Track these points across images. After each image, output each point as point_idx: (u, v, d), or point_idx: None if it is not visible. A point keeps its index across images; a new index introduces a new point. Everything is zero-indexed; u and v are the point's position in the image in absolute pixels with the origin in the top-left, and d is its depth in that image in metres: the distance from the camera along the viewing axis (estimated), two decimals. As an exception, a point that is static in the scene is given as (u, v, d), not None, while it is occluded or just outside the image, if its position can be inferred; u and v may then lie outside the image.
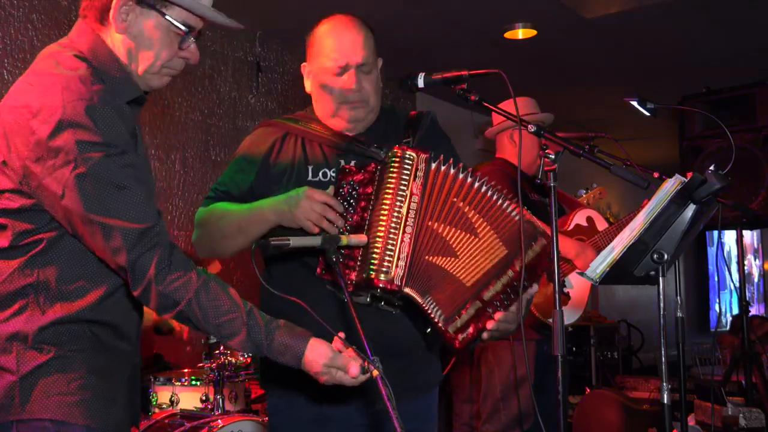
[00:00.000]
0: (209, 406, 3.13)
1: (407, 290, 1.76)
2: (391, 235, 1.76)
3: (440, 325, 1.79)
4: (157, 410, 3.22)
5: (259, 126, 2.12)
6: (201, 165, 4.76)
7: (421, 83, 1.95)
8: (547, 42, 5.44)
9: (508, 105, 2.93)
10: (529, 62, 5.88)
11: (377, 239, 1.76)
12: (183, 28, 1.62)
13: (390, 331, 1.89)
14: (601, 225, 3.33)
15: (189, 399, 3.23)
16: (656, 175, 2.71)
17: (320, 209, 1.82)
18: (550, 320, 2.96)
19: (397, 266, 1.75)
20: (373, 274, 1.74)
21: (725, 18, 5.09)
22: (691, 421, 4.17)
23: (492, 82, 1.92)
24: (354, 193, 1.86)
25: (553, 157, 1.84)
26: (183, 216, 4.70)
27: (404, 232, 1.77)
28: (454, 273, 1.81)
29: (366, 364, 1.55)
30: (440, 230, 1.82)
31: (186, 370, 3.50)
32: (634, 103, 2.79)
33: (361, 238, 1.77)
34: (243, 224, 1.91)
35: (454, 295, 1.81)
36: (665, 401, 2.23)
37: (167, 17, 1.61)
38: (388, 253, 1.75)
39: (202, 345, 3.44)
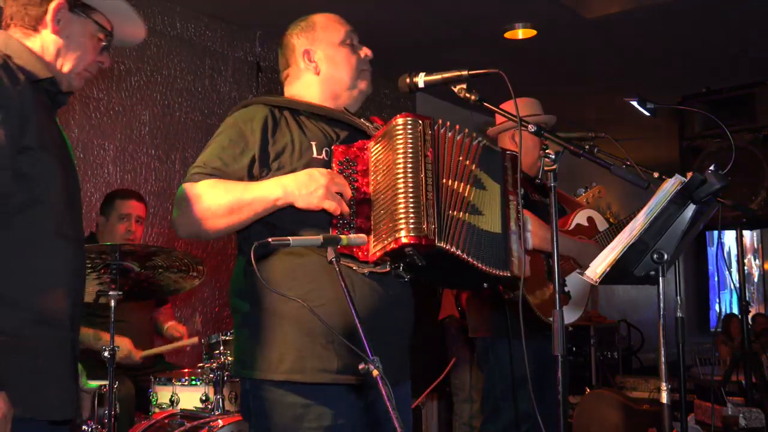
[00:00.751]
0: (209, 406, 3.12)
1: (442, 244, 1.79)
2: (413, 195, 1.78)
3: (504, 274, 1.93)
4: (157, 410, 3.22)
5: (239, 107, 2.08)
6: (201, 165, 4.76)
7: (421, 83, 1.96)
8: (547, 42, 5.44)
9: (509, 105, 2.93)
10: (529, 62, 5.88)
11: (400, 201, 1.78)
12: (104, 32, 1.82)
13: (398, 316, 1.91)
14: (602, 225, 3.33)
15: (189, 399, 3.22)
16: (656, 175, 2.71)
17: (344, 190, 1.88)
18: (551, 319, 2.96)
19: (428, 222, 1.77)
20: (403, 233, 1.75)
21: (725, 18, 5.09)
22: (691, 421, 4.17)
23: (492, 82, 1.92)
24: (350, 170, 1.90)
25: (553, 157, 1.84)
26: (183, 216, 4.70)
27: (427, 191, 1.80)
28: (485, 229, 1.92)
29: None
30: (456, 187, 1.88)
31: (186, 370, 3.49)
32: (634, 103, 2.80)
33: (361, 238, 1.78)
34: (245, 203, 1.86)
35: (497, 245, 1.93)
36: (665, 401, 2.23)
37: (94, 22, 1.80)
38: (414, 210, 1.77)
39: (202, 345, 3.45)
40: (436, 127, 1.89)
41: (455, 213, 1.85)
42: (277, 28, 5.16)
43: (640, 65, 6.06)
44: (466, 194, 1.89)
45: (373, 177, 1.88)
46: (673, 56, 5.83)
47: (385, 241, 1.78)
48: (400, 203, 1.77)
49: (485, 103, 1.94)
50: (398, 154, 1.82)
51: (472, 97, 1.92)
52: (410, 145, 1.82)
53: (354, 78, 2.10)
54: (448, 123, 1.94)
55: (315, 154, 1.94)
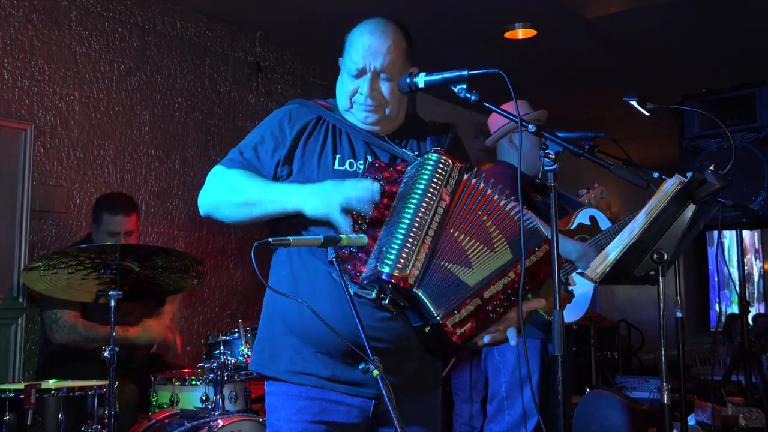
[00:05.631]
0: (209, 406, 3.12)
1: (419, 292, 1.75)
2: (413, 234, 1.76)
3: (438, 318, 1.77)
4: (157, 410, 3.22)
5: (292, 102, 2.11)
6: (201, 165, 4.76)
7: (421, 83, 1.94)
8: (547, 42, 5.44)
9: (507, 107, 2.93)
10: (529, 62, 5.88)
11: (398, 235, 1.76)
12: None
13: (397, 331, 1.89)
14: (604, 224, 3.33)
15: (189, 399, 3.23)
16: (656, 175, 2.71)
17: (354, 194, 1.82)
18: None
19: (413, 266, 1.74)
20: (387, 269, 1.73)
21: (725, 18, 5.09)
22: (691, 421, 4.17)
23: (492, 82, 1.92)
24: (380, 189, 1.86)
25: (553, 156, 1.83)
26: (183, 216, 4.70)
27: (427, 234, 1.78)
28: (464, 281, 1.82)
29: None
30: (461, 240, 1.83)
31: (186, 370, 3.50)
32: (634, 103, 2.79)
33: (361, 239, 1.77)
34: (258, 201, 1.91)
35: (456, 292, 1.81)
36: (665, 401, 2.23)
37: None
38: (407, 250, 1.74)
39: (202, 345, 3.45)
40: (467, 175, 1.86)
41: (447, 264, 1.80)
42: (277, 28, 5.19)
43: (640, 65, 6.06)
44: (467, 248, 1.83)
45: (397, 201, 1.86)
46: (673, 56, 5.83)
47: (375, 268, 1.76)
48: (397, 237, 1.76)
49: (485, 104, 1.93)
50: (418, 187, 1.81)
51: (472, 98, 1.91)
52: (432, 184, 1.81)
53: (345, 106, 2.02)
54: (483, 174, 1.88)
55: (336, 165, 1.96)
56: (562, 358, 1.78)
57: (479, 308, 1.82)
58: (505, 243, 1.87)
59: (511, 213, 1.90)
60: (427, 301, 1.76)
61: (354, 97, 2.00)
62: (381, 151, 2.01)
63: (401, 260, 1.73)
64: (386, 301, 1.79)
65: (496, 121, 3.42)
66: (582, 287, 3.18)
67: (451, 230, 1.82)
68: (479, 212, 1.87)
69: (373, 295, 1.78)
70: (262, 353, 2.01)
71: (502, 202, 1.91)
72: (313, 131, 2.00)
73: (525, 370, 2.92)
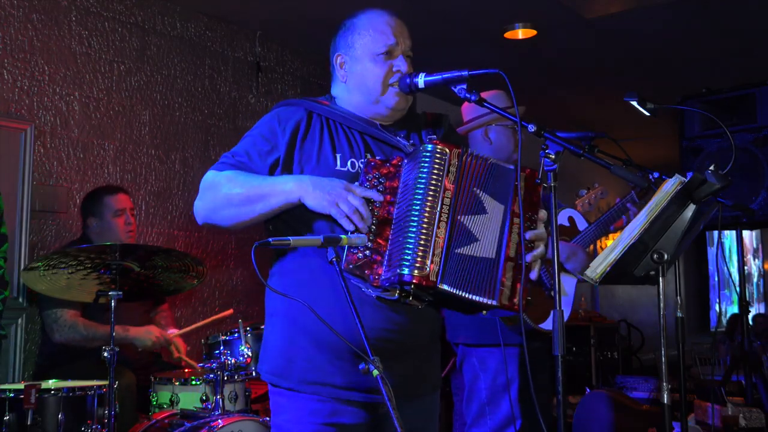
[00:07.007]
0: (209, 406, 3.12)
1: (444, 286, 1.74)
2: (424, 230, 1.75)
3: (491, 303, 1.78)
4: (157, 410, 3.22)
5: (278, 105, 2.06)
6: (201, 165, 4.76)
7: (421, 83, 1.94)
8: (547, 42, 5.44)
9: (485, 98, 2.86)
10: (529, 62, 5.88)
11: (410, 235, 1.75)
12: None
13: (410, 333, 1.89)
14: (582, 225, 3.32)
15: (189, 399, 3.22)
16: (656, 175, 2.71)
17: (357, 203, 1.80)
18: (539, 325, 2.95)
19: (432, 262, 1.73)
20: (406, 270, 1.72)
21: (725, 18, 5.09)
22: (691, 421, 4.17)
23: (492, 82, 1.92)
24: (380, 186, 1.84)
25: (553, 156, 1.83)
26: (183, 216, 4.69)
27: (438, 227, 1.76)
28: (480, 255, 1.81)
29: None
30: (466, 222, 1.81)
31: (186, 370, 3.50)
32: (634, 103, 2.79)
33: (360, 238, 1.77)
34: (261, 193, 1.86)
35: (487, 271, 1.80)
36: (665, 401, 2.24)
37: None
38: (422, 248, 1.73)
39: (202, 345, 3.45)
40: (464, 158, 1.84)
41: (461, 250, 1.78)
42: (277, 28, 5.18)
43: (640, 65, 6.06)
44: (471, 226, 1.81)
45: (400, 197, 1.84)
46: (673, 56, 5.83)
47: (393, 272, 1.75)
48: (410, 237, 1.74)
49: (486, 104, 1.93)
50: (419, 182, 1.79)
51: (472, 98, 1.91)
52: (433, 176, 1.78)
53: (376, 93, 1.97)
54: (478, 154, 1.87)
55: (338, 166, 1.92)
56: (561, 358, 1.78)
57: (514, 268, 1.82)
58: (489, 198, 1.85)
59: (489, 164, 1.86)
60: (454, 291, 1.76)
61: (391, 79, 1.96)
62: (378, 142, 1.97)
63: (418, 259, 1.72)
64: (410, 299, 1.78)
65: (470, 110, 3.31)
66: (565, 290, 3.17)
67: (459, 217, 1.80)
68: (475, 189, 1.84)
69: (396, 296, 1.78)
70: (273, 361, 1.96)
71: (485, 164, 1.87)
72: (308, 131, 1.95)
73: (509, 375, 2.90)
